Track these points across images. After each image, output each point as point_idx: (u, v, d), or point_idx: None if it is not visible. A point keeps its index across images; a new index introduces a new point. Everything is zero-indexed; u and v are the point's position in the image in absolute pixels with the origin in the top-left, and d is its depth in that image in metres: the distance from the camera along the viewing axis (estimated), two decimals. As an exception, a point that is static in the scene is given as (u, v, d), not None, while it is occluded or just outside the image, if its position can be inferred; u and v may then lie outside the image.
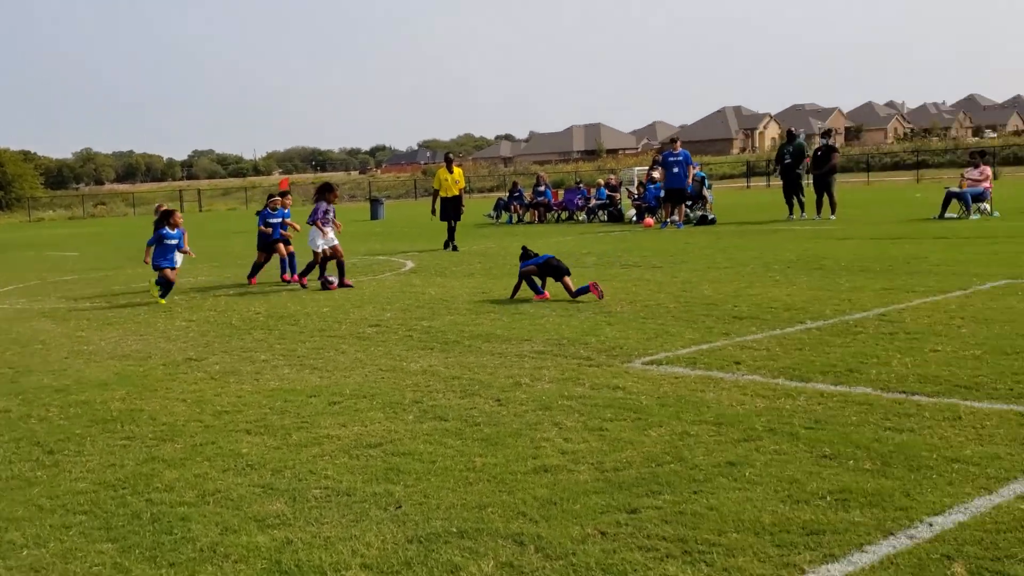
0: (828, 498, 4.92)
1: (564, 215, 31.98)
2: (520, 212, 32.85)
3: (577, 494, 5.19)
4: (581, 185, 34.60)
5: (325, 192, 15.97)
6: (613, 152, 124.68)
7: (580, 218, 31.08)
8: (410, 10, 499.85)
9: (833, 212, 24.56)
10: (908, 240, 17.82)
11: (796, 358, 8.24)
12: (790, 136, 25.97)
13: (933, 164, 65.41)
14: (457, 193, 22.41)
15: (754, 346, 8.89)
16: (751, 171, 64.52)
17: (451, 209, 22.32)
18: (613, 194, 30.04)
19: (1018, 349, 8.03)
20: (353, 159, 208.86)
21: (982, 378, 7.14)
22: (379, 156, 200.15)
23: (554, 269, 12.68)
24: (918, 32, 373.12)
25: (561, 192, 33.72)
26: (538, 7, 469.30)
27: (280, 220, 17.20)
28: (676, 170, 24.73)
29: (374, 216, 42.13)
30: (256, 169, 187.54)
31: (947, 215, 22.15)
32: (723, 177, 73.36)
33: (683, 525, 4.69)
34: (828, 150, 24.88)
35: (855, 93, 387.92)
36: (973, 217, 21.63)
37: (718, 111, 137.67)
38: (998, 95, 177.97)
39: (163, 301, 14.44)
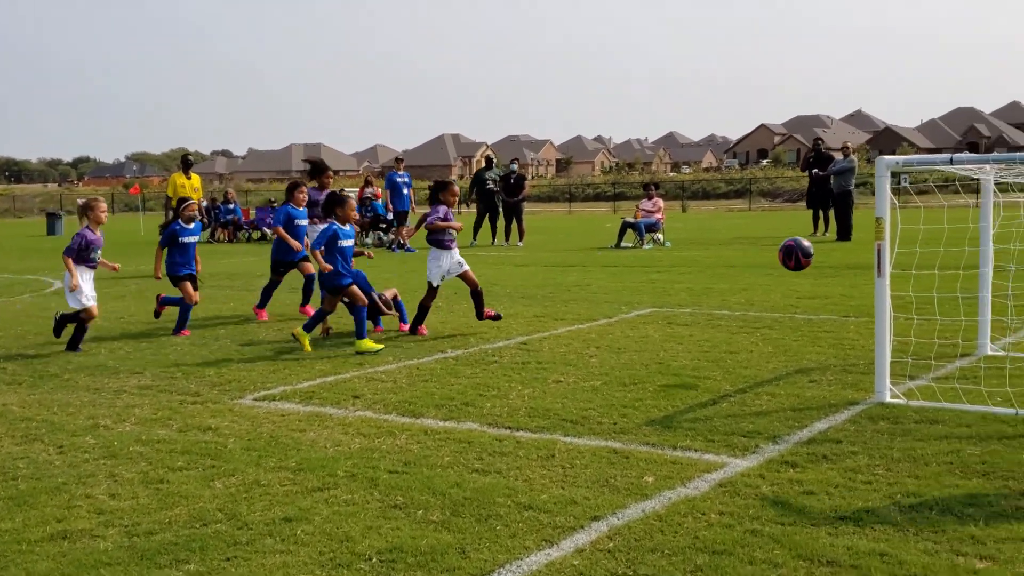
0: (375, 559, 4.34)
1: (257, 234, 30.62)
2: (212, 229, 31.17)
3: (86, 567, 4.32)
4: (275, 204, 33.23)
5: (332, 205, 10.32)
6: (334, 172, 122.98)
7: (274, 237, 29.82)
8: (117, 14, 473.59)
9: (521, 239, 24.89)
10: (580, 268, 18.13)
11: (419, 391, 7.75)
12: (489, 163, 26.19)
13: (631, 196, 68.89)
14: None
15: (383, 377, 8.34)
16: (462, 198, 65.49)
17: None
18: (308, 214, 29.02)
19: (637, 380, 7.94)
20: (53, 170, 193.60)
21: (591, 411, 6.92)
22: (82, 168, 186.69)
23: None
24: (626, 71, 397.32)
25: (252, 210, 32.32)
26: (259, 22, 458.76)
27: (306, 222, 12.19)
28: (405, 191, 24.18)
29: (51, 231, 38.56)
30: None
31: (623, 244, 22.95)
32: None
33: (192, 603, 3.95)
34: (520, 179, 25.23)
35: (566, 127, 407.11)
36: (647, 247, 22.51)
37: (437, 137, 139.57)
38: (695, 134, 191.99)
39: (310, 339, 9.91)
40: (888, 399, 6.89)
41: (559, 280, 15.91)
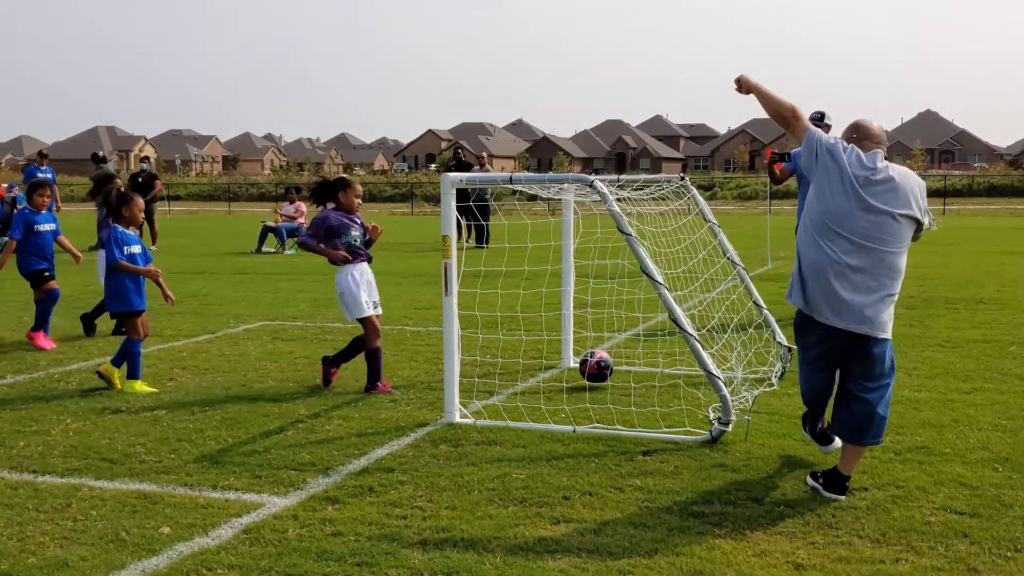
0: None
1: None
2: None
3: None
4: None
5: None
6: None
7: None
8: None
9: (154, 242, 23.31)
10: (208, 276, 17.14)
11: (-56, 429, 6.70)
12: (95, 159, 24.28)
13: (301, 197, 67.58)
14: None
15: (-93, 413, 7.17)
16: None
17: None
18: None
19: (210, 405, 7.34)
20: None
21: (139, 447, 6.25)
22: None
23: None
24: (299, 69, 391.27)
25: None
26: None
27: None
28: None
29: None
30: None
31: (264, 249, 22.14)
32: (84, 200, 68.76)
33: None
34: (150, 177, 23.63)
35: (234, 123, 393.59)
36: (288, 252, 21.85)
37: (91, 130, 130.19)
38: (367, 136, 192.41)
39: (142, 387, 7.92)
40: (457, 419, 6.79)
41: (177, 289, 14.81)
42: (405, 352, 9.52)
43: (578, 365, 8.01)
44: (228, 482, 5.56)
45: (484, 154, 23.93)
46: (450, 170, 23.76)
